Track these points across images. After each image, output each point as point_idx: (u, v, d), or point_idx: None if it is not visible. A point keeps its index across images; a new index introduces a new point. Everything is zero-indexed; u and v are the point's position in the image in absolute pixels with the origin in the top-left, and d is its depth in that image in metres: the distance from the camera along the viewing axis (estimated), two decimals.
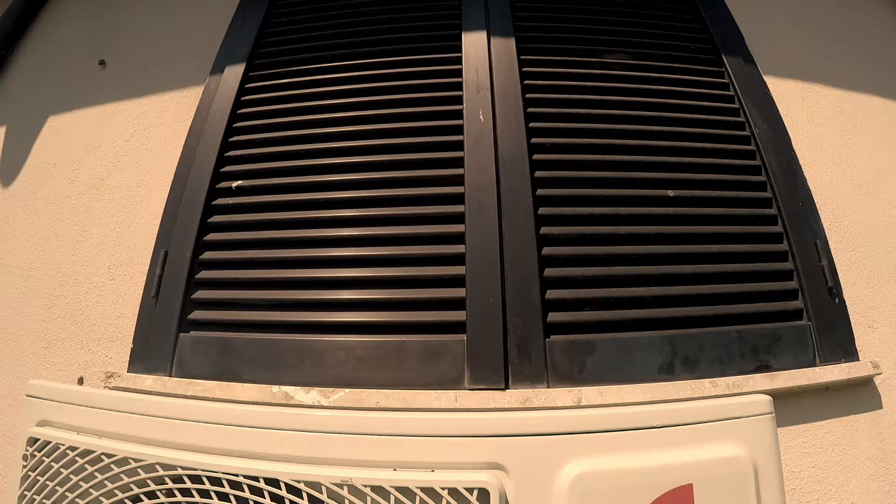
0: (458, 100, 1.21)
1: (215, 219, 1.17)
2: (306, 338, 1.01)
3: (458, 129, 1.17)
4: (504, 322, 0.98)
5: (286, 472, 0.62)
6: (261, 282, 1.09)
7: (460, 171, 1.12)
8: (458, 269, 1.03)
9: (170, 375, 1.03)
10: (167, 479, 0.66)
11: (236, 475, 0.63)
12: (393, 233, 1.08)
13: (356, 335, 1.01)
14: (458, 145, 1.15)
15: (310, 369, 0.99)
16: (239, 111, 1.30)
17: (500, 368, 0.95)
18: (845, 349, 1.03)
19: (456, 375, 0.95)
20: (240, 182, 1.20)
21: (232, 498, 0.62)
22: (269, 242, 1.12)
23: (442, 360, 0.97)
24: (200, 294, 1.10)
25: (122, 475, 0.67)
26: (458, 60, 1.27)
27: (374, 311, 1.03)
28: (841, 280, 1.09)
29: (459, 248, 1.05)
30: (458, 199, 1.09)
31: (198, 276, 1.11)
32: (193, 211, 1.16)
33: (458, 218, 1.07)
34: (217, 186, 1.20)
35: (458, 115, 1.18)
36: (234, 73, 1.35)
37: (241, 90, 1.33)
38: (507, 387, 0.94)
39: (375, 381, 0.96)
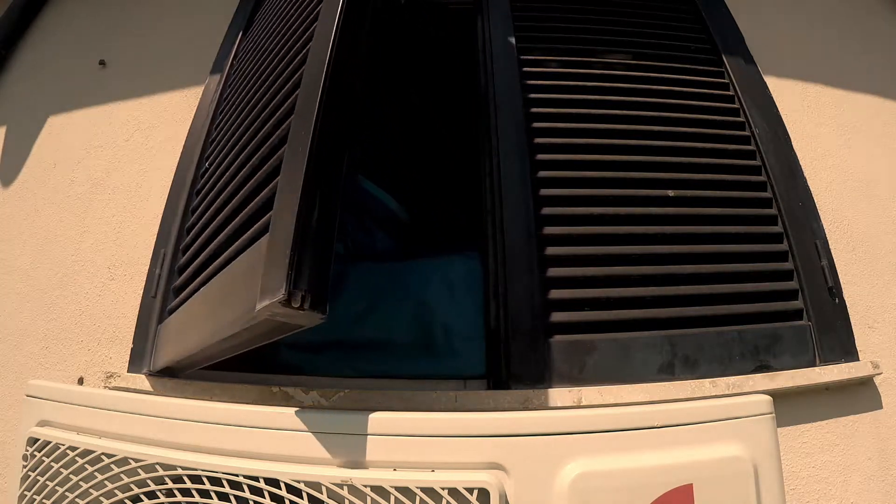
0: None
1: None
2: None
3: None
4: (504, 321, 0.98)
5: (286, 472, 0.62)
6: None
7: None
8: None
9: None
10: (167, 479, 0.66)
11: (236, 475, 0.63)
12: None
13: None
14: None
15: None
16: None
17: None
18: (845, 349, 1.03)
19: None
20: None
21: (232, 498, 0.62)
22: None
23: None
24: None
25: (122, 475, 0.67)
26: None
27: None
28: (841, 280, 1.09)
29: None
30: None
31: None
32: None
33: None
34: None
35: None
36: None
37: None
38: (507, 387, 0.94)
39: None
